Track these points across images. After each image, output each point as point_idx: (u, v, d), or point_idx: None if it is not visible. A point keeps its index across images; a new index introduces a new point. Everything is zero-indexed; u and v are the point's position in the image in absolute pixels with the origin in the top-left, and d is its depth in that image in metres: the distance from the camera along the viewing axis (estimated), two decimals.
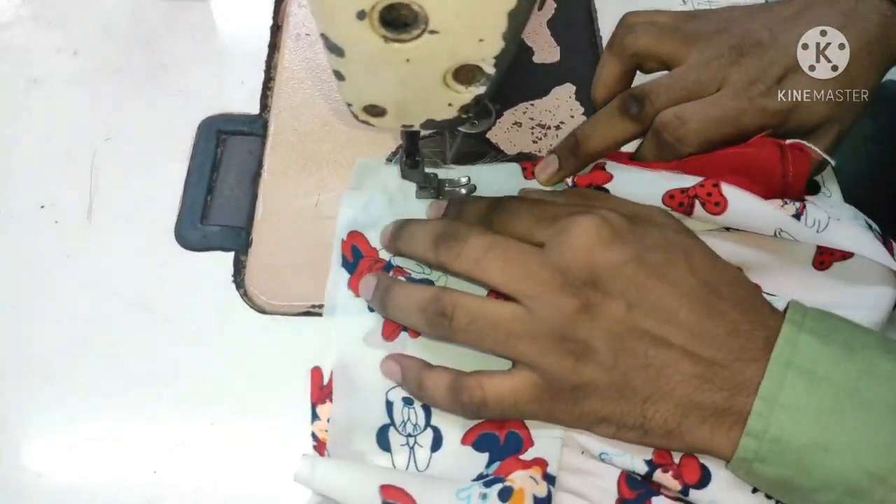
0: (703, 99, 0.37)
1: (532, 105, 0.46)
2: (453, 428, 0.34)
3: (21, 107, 0.45)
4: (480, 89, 0.29)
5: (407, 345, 0.35)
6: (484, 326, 0.32)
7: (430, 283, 0.37)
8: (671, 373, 0.30)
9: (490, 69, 0.28)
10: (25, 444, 0.34)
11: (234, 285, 0.38)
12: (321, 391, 0.35)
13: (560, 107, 0.46)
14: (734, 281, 0.32)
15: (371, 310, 0.36)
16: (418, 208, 0.40)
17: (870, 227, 0.35)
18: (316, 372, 0.35)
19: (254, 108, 0.45)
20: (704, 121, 0.36)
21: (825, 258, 0.36)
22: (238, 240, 0.40)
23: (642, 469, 0.32)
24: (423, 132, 0.41)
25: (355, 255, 0.38)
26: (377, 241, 0.38)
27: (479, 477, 0.32)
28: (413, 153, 0.38)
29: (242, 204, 0.41)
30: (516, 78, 0.47)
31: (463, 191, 0.41)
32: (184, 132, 0.44)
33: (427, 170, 0.40)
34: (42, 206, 0.41)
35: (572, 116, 0.45)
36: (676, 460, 0.32)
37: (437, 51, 0.27)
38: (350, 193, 0.40)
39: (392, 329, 0.36)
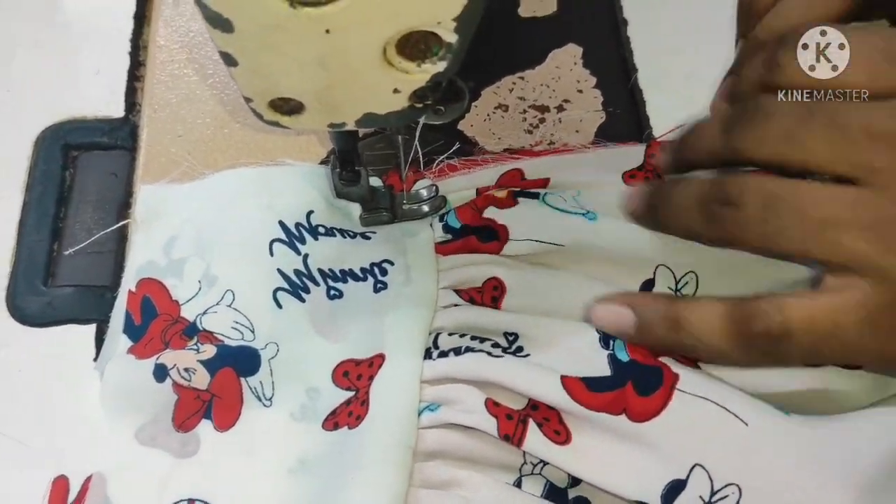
0: None
1: (522, 79, 0.45)
2: None
3: None
4: (439, 66, 0.28)
5: (202, 441, 0.35)
6: (788, 211, 0.31)
7: (254, 350, 0.36)
8: None
9: (450, 36, 0.27)
10: None
11: (99, 373, 0.36)
12: None
13: (562, 78, 0.45)
14: None
15: (160, 380, 0.35)
16: (253, 236, 0.38)
17: None
18: (59, 483, 0.34)
19: (116, 109, 0.44)
20: None
21: None
22: (101, 305, 0.39)
23: None
24: (363, 131, 0.40)
25: (146, 313, 0.37)
26: (180, 293, 0.37)
27: None
28: (351, 161, 0.36)
29: (106, 251, 0.40)
30: (497, 41, 0.46)
31: (426, 207, 0.40)
32: (15, 151, 0.42)
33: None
34: None
35: (580, 91, 0.44)
36: None
37: (369, 14, 0.25)
38: (143, 228, 0.39)
39: (188, 412, 0.35)
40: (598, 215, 0.38)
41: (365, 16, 0.25)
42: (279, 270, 0.37)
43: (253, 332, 0.36)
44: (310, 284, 0.38)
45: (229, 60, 0.28)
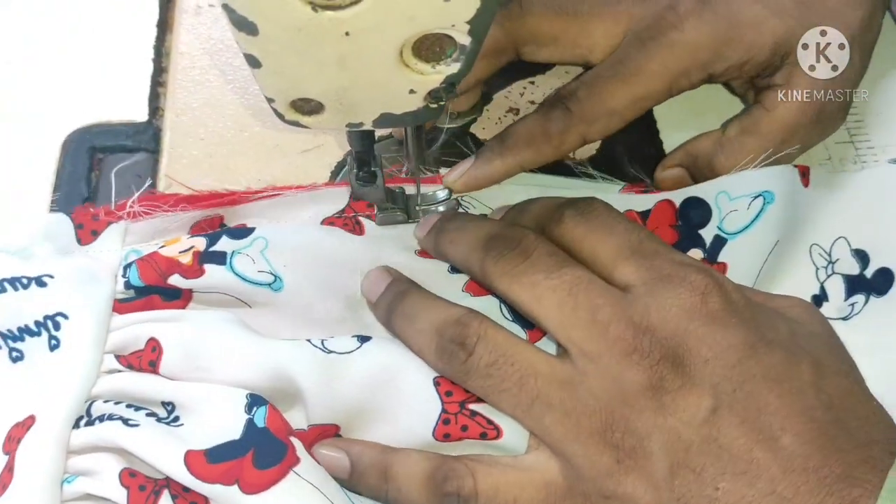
0: (606, 63, 0.39)
1: (532, 83, 0.46)
2: None
3: None
4: (453, 67, 0.29)
5: None
6: (509, 376, 0.32)
7: None
8: None
9: (464, 38, 0.28)
10: None
11: None
12: None
13: None
14: (871, 417, 0.31)
15: None
16: None
17: None
18: None
19: (140, 114, 0.45)
20: (611, 89, 0.38)
21: None
22: None
23: None
24: (380, 132, 0.41)
25: None
26: None
27: None
28: (367, 162, 0.37)
29: None
30: None
31: (441, 208, 0.41)
32: (43, 153, 0.43)
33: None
34: None
35: None
36: None
37: (387, 17, 0.26)
38: None
39: None
40: (283, 283, 0.37)
41: (383, 19, 0.26)
42: None
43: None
44: None
45: (253, 62, 0.29)
